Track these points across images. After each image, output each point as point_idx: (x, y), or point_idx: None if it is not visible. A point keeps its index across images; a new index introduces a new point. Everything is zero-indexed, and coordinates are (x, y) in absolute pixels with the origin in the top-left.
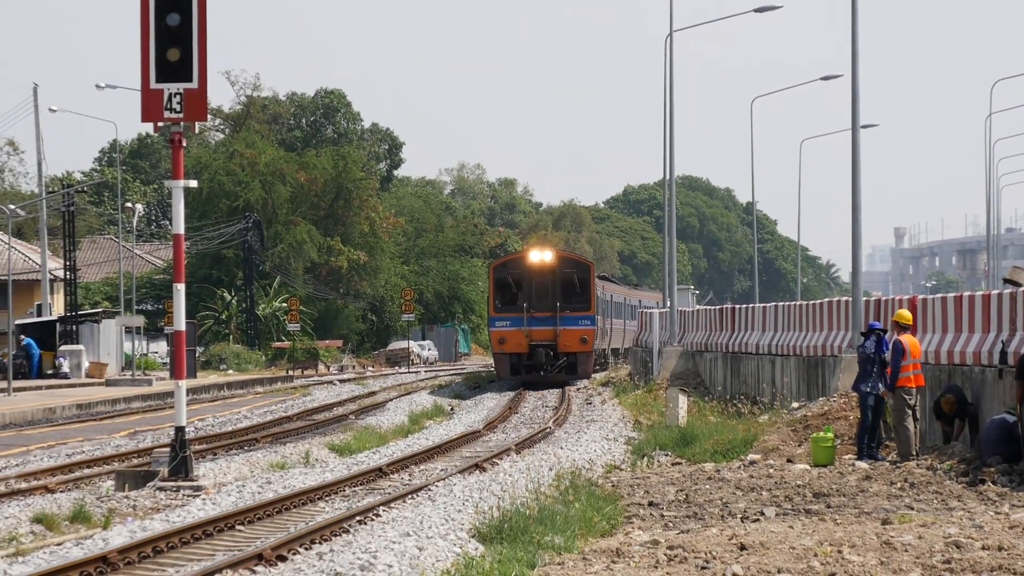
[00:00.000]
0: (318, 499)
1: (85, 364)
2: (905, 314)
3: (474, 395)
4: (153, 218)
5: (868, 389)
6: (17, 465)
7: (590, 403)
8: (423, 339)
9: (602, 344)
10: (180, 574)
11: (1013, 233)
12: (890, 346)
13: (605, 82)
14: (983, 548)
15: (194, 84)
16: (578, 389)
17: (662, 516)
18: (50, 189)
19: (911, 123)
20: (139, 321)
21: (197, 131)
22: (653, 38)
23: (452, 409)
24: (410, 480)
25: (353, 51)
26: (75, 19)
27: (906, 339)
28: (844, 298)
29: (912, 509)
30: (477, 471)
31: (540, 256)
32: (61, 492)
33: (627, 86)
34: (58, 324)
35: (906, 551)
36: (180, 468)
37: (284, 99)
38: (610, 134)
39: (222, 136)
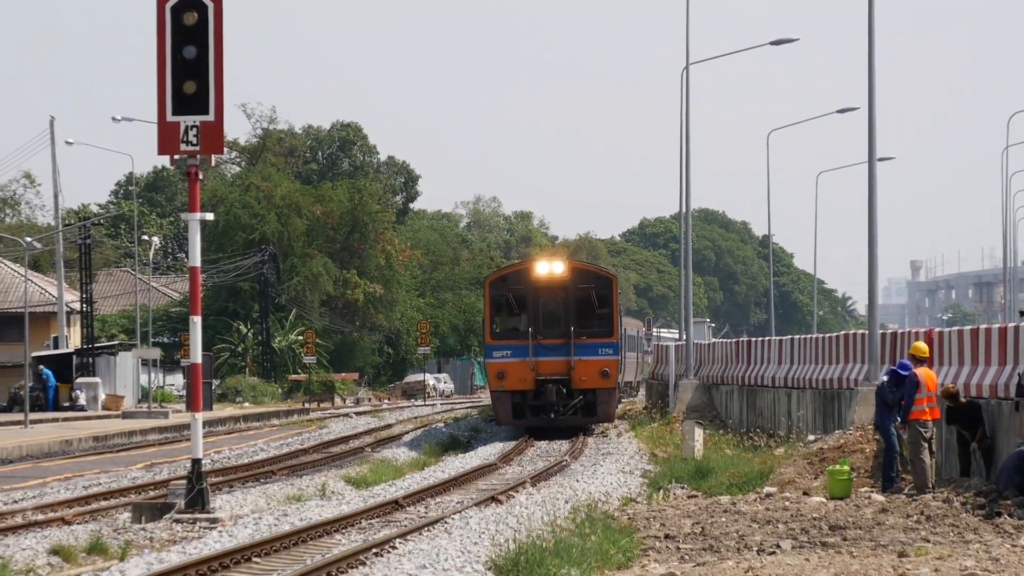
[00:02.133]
0: (335, 531)
1: (101, 396)
2: (922, 347)
3: (490, 427)
4: (169, 251)
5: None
6: (34, 497)
7: (606, 436)
8: (439, 372)
9: (620, 378)
10: None
11: None
12: (909, 380)
13: (621, 115)
14: None
15: (211, 117)
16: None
17: (678, 549)
18: (66, 222)
19: (928, 156)
20: (155, 354)
21: (213, 164)
22: (669, 71)
23: (468, 441)
24: (426, 512)
25: (369, 84)
26: (91, 51)
27: (922, 372)
28: (860, 331)
29: (928, 542)
30: (493, 503)
31: (549, 268)
32: (78, 524)
33: (643, 119)
34: (74, 356)
35: None
36: (197, 500)
37: (300, 132)
38: (626, 167)
39: (238, 169)
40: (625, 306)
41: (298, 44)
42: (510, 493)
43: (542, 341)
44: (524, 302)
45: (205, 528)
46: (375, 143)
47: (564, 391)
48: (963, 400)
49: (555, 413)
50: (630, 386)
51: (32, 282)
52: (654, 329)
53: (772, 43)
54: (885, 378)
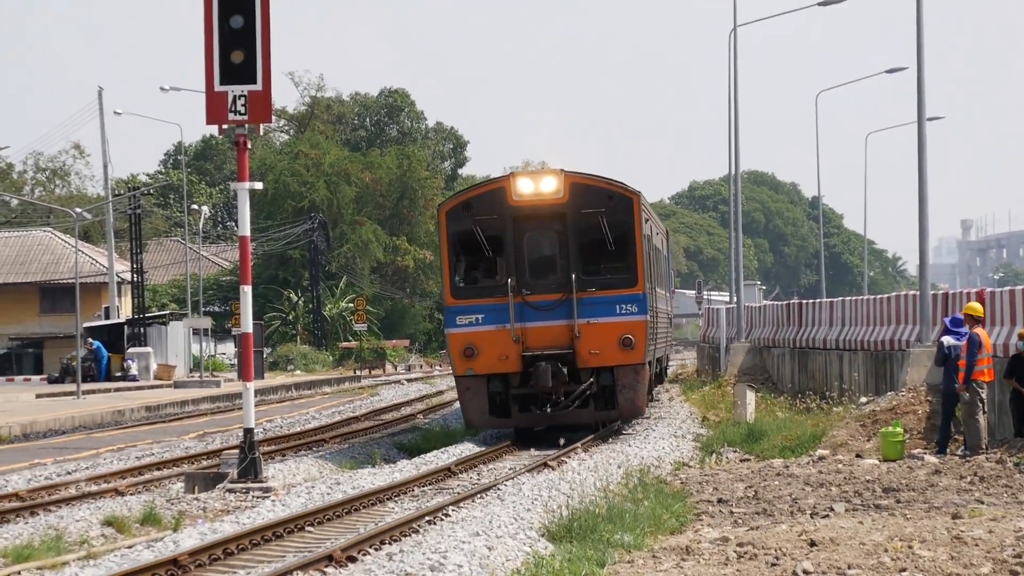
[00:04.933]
0: (387, 499)
1: (153, 366)
2: (976, 307)
3: None
4: (219, 220)
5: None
6: (87, 468)
7: (658, 400)
8: None
9: (651, 350)
10: None
11: None
12: (967, 340)
13: (670, 77)
14: None
15: (258, 86)
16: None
17: (731, 513)
18: (116, 192)
19: (978, 114)
20: (206, 323)
21: (262, 133)
22: (718, 33)
23: None
24: (479, 479)
25: (417, 50)
26: (139, 22)
27: (980, 332)
28: (912, 292)
29: (982, 503)
30: (546, 469)
31: (535, 185)
32: (131, 495)
33: (692, 81)
34: (126, 327)
35: (976, 545)
36: (249, 470)
37: (348, 99)
38: (675, 129)
39: (287, 137)
40: (676, 269)
41: (345, 11)
42: (562, 459)
43: (530, 298)
44: (500, 240)
45: (258, 498)
46: (423, 109)
47: (566, 371)
48: None
49: (553, 405)
50: (660, 366)
51: (83, 253)
52: (704, 292)
53: (820, 3)
54: (947, 340)
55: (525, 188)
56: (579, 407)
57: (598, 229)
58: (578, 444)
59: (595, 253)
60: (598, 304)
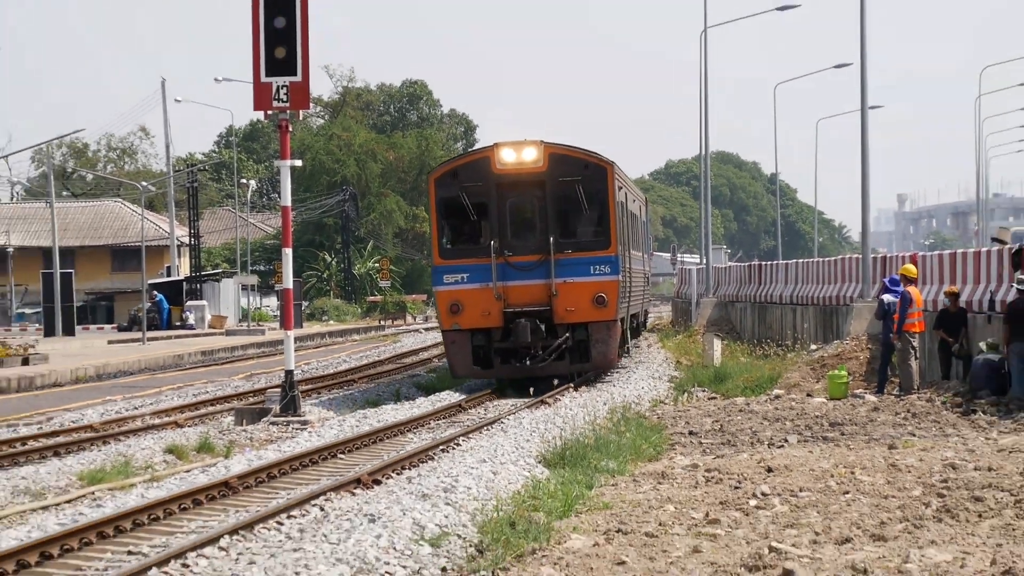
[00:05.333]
0: (407, 431)
1: (207, 317)
2: (911, 268)
3: None
4: (264, 192)
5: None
6: (151, 404)
7: (638, 347)
8: None
9: (625, 308)
10: (290, 496)
11: (1000, 198)
12: (900, 297)
13: (648, 70)
14: (975, 469)
15: (298, 78)
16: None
17: (700, 443)
18: (176, 168)
19: (912, 103)
20: (253, 280)
21: (301, 118)
22: (691, 33)
23: None
24: (485, 414)
25: (434, 43)
26: (196, 18)
27: (912, 290)
28: (855, 255)
29: (914, 436)
30: (543, 406)
31: (517, 155)
32: (189, 427)
33: (669, 73)
34: (184, 283)
35: (909, 472)
36: (289, 406)
37: (375, 89)
38: (654, 114)
39: (322, 121)
40: (654, 235)
41: (375, 11)
42: (556, 396)
43: (511, 259)
44: (485, 205)
45: (297, 429)
46: (439, 97)
47: (543, 327)
48: (958, 305)
49: (532, 358)
50: (635, 321)
51: (148, 220)
52: (678, 255)
53: (778, 8)
54: (886, 297)
55: (508, 157)
56: (556, 360)
57: (575, 196)
58: (568, 386)
59: (572, 218)
60: (574, 265)
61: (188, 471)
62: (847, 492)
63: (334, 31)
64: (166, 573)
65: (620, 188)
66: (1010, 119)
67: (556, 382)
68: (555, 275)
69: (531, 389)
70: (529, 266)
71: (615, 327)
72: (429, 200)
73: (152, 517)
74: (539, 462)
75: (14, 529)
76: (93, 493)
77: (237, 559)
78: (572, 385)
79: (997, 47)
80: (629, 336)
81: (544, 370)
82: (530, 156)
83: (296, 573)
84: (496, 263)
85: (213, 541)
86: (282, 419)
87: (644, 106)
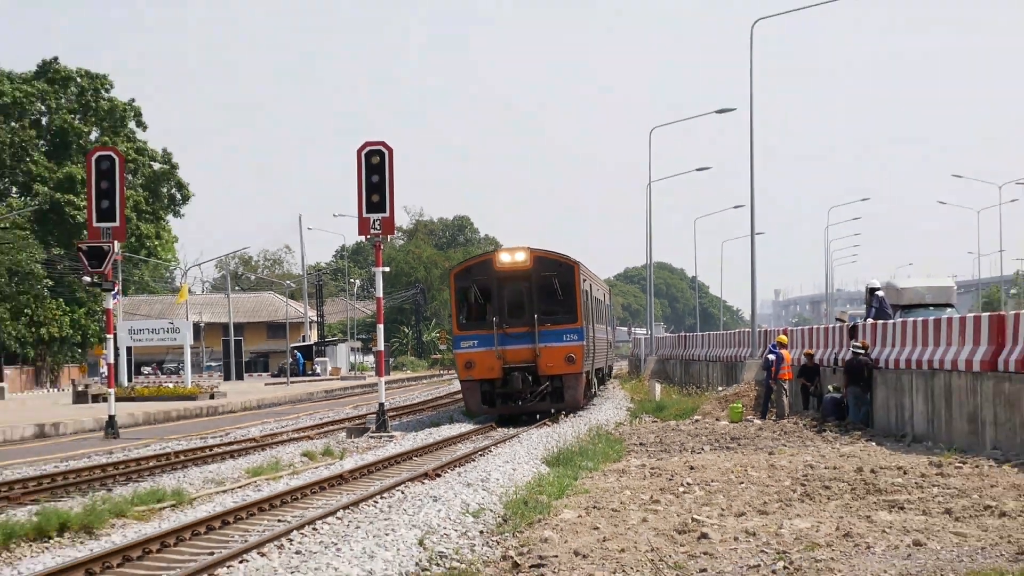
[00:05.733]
0: (457, 442)
1: (328, 368)
2: (783, 338)
3: None
4: (364, 287)
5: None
6: (292, 424)
7: (606, 389)
8: None
9: (589, 364)
10: (382, 484)
11: (841, 292)
12: (776, 356)
13: (611, 193)
14: (825, 468)
15: (387, 214)
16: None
17: (647, 450)
18: (308, 272)
19: (786, 229)
20: (357, 344)
21: (388, 240)
22: (639, 175)
23: None
24: (508, 432)
25: (474, 186)
26: (322, 172)
27: (784, 352)
28: (747, 329)
29: (786, 446)
30: (546, 426)
31: (512, 257)
32: (317, 439)
33: (625, 200)
34: (314, 346)
35: (782, 470)
36: (382, 426)
37: (436, 220)
38: (613, 235)
39: (402, 241)
40: (617, 316)
41: (437, 168)
42: (546, 423)
43: (507, 330)
44: (489, 292)
45: (386, 441)
46: (478, 227)
47: (531, 378)
48: (813, 361)
49: (523, 400)
50: (600, 375)
51: (290, 305)
52: (633, 329)
53: (716, 111)
54: (770, 356)
55: (505, 259)
56: (539, 401)
57: (552, 285)
58: (546, 419)
59: (549, 300)
60: (551, 334)
61: (316, 468)
62: (742, 483)
63: (409, 176)
64: (303, 534)
65: (584, 280)
66: (848, 241)
67: (539, 417)
68: (538, 341)
69: (524, 417)
70: (520, 335)
71: (581, 377)
72: (450, 289)
73: (293, 498)
74: (543, 462)
75: (204, 505)
76: (255, 482)
77: (348, 525)
78: (549, 420)
79: (844, 192)
80: (596, 383)
81: (531, 408)
82: (520, 258)
83: (386, 534)
84: (497, 333)
85: (333, 513)
86: (377, 435)
87: (609, 222)
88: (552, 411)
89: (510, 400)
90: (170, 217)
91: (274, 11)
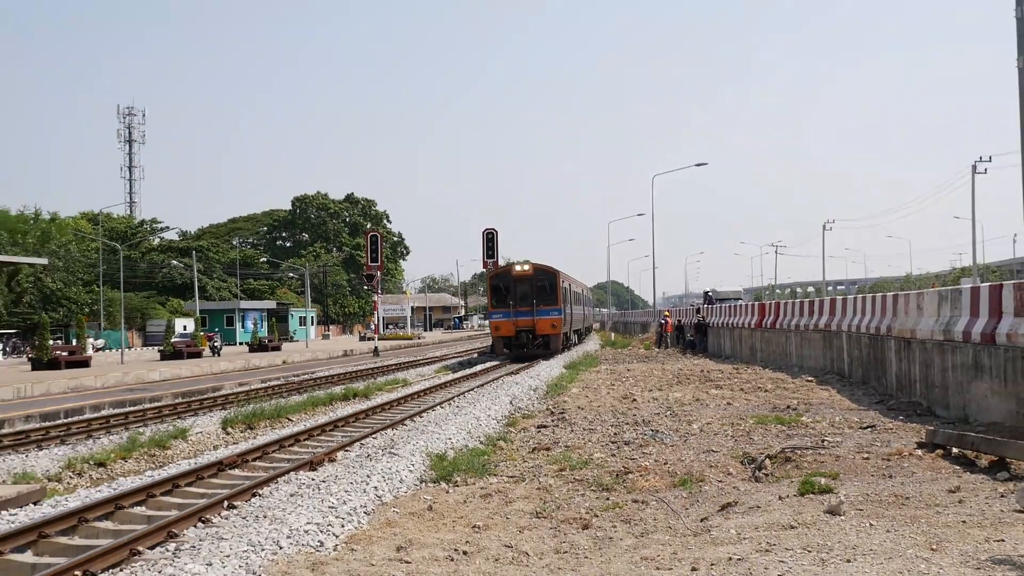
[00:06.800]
0: (483, 373)
1: (469, 325)
2: (668, 313)
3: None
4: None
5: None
6: (458, 347)
7: (585, 340)
8: None
9: (567, 328)
10: (496, 374)
11: (693, 292)
12: (664, 321)
13: (594, 219)
14: (686, 370)
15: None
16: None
17: (609, 363)
18: (461, 282)
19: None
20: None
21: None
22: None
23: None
24: (520, 366)
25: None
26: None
27: (668, 319)
28: (652, 309)
29: (668, 360)
30: (558, 356)
31: (521, 268)
32: (464, 356)
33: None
34: (463, 316)
35: (667, 371)
36: (491, 350)
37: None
38: (584, 259)
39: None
40: (593, 302)
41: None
42: (548, 359)
43: (519, 309)
44: (508, 288)
45: (489, 359)
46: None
47: (531, 336)
48: (704, 321)
49: (526, 348)
50: (579, 333)
51: (452, 298)
52: (602, 309)
53: (696, 164)
54: (661, 321)
55: (518, 269)
56: (536, 349)
57: (544, 285)
58: (539, 359)
59: (543, 293)
60: (543, 312)
61: (466, 369)
62: (650, 376)
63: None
64: (463, 396)
65: (564, 281)
66: (695, 259)
67: (536, 358)
68: (536, 316)
69: (526, 359)
70: (525, 312)
71: (559, 337)
72: (487, 286)
73: (454, 383)
74: (563, 367)
75: (416, 385)
76: (439, 376)
77: (480, 395)
78: (542, 359)
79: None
80: (576, 338)
81: (532, 353)
82: (526, 268)
83: (496, 398)
84: (513, 311)
85: (479, 387)
86: (490, 355)
87: (588, 245)
88: (544, 356)
89: (519, 348)
90: (400, 261)
91: None
